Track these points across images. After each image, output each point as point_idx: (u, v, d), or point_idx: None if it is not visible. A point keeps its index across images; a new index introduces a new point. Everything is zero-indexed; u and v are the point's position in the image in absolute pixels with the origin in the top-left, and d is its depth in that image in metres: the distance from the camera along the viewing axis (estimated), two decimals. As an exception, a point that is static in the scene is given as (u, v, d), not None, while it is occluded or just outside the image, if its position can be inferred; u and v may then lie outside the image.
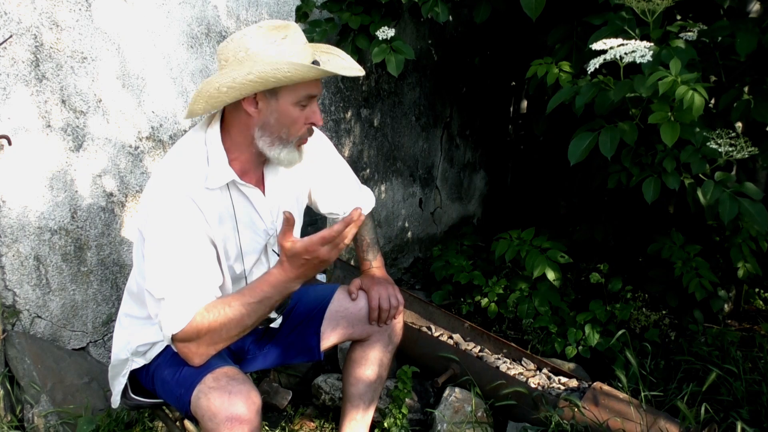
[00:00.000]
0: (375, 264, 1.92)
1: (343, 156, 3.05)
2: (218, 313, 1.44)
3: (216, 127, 1.54)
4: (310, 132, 1.56)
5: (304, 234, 2.58)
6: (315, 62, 1.50)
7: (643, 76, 1.86)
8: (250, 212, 1.59)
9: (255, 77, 1.41)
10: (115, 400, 1.74)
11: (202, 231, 1.48)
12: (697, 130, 1.91)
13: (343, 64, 1.57)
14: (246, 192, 1.57)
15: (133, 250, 1.65)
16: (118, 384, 1.71)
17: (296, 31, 1.48)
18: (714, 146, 1.98)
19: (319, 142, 1.78)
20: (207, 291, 1.47)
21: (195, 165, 1.51)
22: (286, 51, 1.44)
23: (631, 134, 1.97)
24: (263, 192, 1.62)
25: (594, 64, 1.92)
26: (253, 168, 1.58)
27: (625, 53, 1.86)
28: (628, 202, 2.73)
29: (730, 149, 1.96)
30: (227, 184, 1.53)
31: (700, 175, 2.03)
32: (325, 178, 1.80)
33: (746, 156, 1.96)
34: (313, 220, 2.76)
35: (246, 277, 1.62)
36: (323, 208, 1.85)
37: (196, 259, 1.46)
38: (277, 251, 1.70)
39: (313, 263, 1.43)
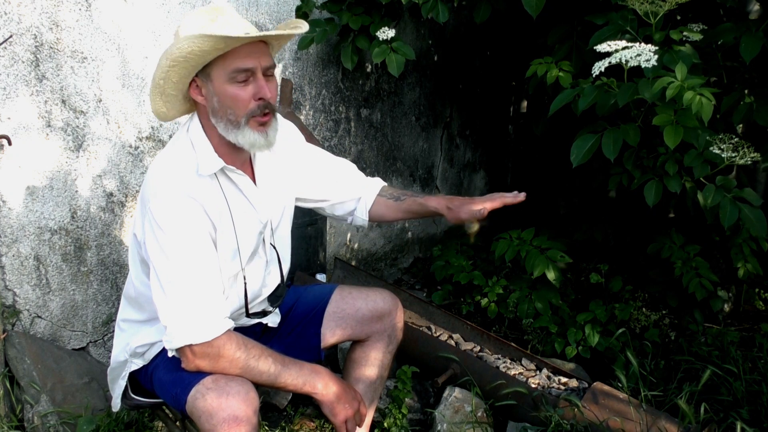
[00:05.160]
0: (430, 197, 1.81)
1: (343, 156, 3.05)
2: (248, 355, 1.46)
3: (195, 120, 1.55)
4: (264, 109, 1.48)
5: (304, 234, 2.58)
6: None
7: (648, 80, 1.86)
8: (242, 201, 1.58)
9: (170, 61, 1.42)
10: (116, 404, 1.73)
11: (207, 233, 1.48)
12: (700, 132, 1.91)
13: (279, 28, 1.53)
14: (236, 179, 1.56)
15: (129, 255, 1.64)
16: (117, 387, 1.71)
17: (225, 11, 1.45)
18: (717, 151, 1.98)
19: (294, 137, 1.77)
20: (220, 301, 1.48)
21: (183, 155, 1.51)
22: (215, 30, 1.41)
23: (633, 136, 1.96)
24: (254, 181, 1.61)
25: (599, 67, 1.91)
26: (238, 158, 1.57)
27: (631, 57, 1.86)
28: (628, 203, 2.73)
29: (733, 155, 1.96)
30: (216, 173, 1.52)
31: (701, 178, 2.03)
32: (310, 169, 1.78)
33: (749, 162, 1.96)
34: (313, 220, 2.76)
35: (244, 271, 1.62)
36: (317, 196, 1.82)
37: (207, 267, 1.46)
38: (274, 244, 1.70)
39: (346, 409, 1.55)
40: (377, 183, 1.87)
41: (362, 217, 1.84)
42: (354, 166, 1.86)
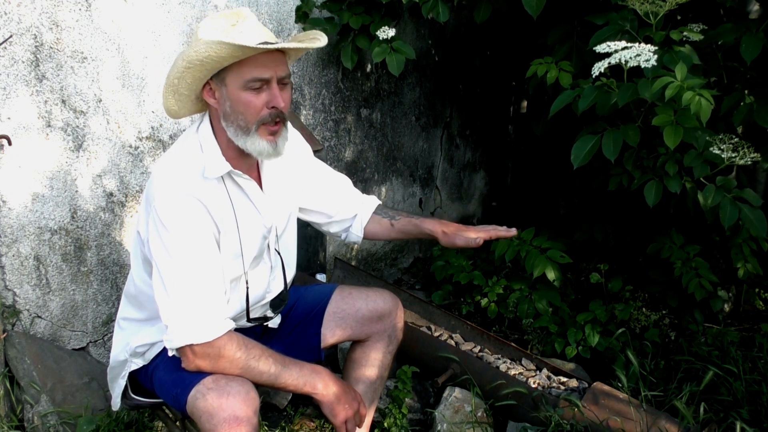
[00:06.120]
0: (426, 219, 1.84)
1: (343, 156, 3.06)
2: (249, 355, 1.46)
3: (206, 121, 1.56)
4: (275, 117, 1.49)
5: (304, 234, 2.58)
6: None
7: (648, 81, 1.86)
8: (247, 205, 1.58)
9: (186, 63, 1.43)
10: (116, 403, 1.74)
11: (211, 234, 1.49)
12: (700, 132, 1.92)
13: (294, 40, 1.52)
14: (242, 184, 1.57)
15: (131, 252, 1.65)
16: (117, 387, 1.71)
17: (246, 17, 1.46)
18: (717, 151, 1.98)
19: (301, 147, 1.79)
20: (222, 302, 1.48)
21: (191, 156, 1.51)
22: (235, 38, 1.41)
23: (633, 136, 1.97)
24: (261, 187, 1.62)
25: (599, 68, 1.91)
26: (245, 162, 1.57)
27: (630, 57, 1.86)
28: (629, 203, 2.73)
29: (733, 155, 1.96)
30: (222, 176, 1.52)
31: (701, 178, 2.04)
32: (314, 182, 1.80)
33: (749, 162, 1.96)
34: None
35: (246, 274, 1.62)
36: (318, 208, 1.84)
37: (209, 268, 1.47)
38: (279, 250, 1.70)
39: (346, 410, 1.55)
40: (373, 201, 1.89)
41: (357, 234, 1.86)
42: (351, 182, 1.89)
